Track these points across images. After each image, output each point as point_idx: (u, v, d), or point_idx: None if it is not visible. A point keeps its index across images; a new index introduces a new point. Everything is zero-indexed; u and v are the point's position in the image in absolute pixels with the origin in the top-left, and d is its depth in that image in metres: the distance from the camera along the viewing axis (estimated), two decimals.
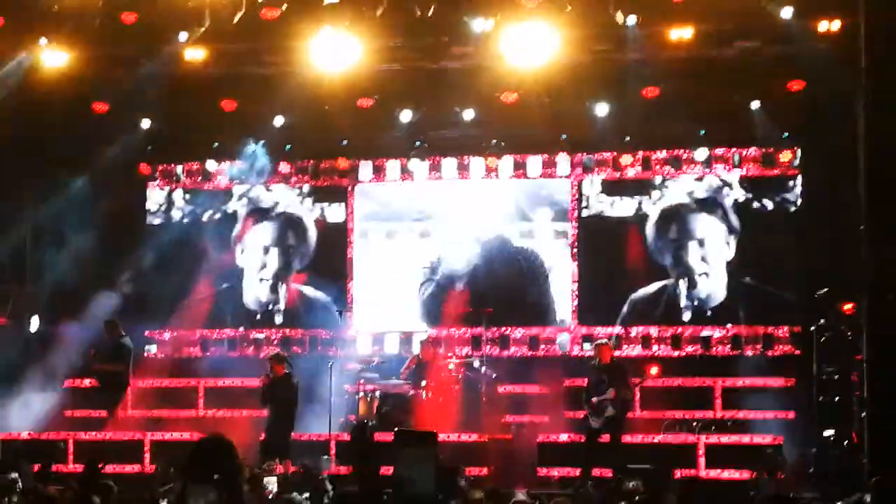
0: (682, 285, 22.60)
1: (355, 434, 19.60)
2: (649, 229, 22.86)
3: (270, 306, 23.91)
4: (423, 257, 23.62)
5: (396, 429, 18.03)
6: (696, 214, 22.75)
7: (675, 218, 22.83)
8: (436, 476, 15.16)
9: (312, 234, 23.98)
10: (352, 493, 15.11)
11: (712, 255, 22.55)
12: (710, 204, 22.68)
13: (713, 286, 22.51)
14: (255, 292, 24.06)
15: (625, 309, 22.59)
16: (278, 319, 23.79)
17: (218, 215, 24.35)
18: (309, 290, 23.80)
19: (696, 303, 22.52)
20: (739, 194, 22.49)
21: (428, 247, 23.63)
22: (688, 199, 22.77)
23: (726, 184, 22.57)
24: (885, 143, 16.66)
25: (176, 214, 24.45)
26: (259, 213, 24.29)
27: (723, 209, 22.54)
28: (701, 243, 22.68)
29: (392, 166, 23.72)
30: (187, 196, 24.46)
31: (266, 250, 24.17)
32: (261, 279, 24.08)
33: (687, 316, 22.47)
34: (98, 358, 21.45)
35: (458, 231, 23.52)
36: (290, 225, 24.16)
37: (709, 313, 22.42)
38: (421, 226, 23.71)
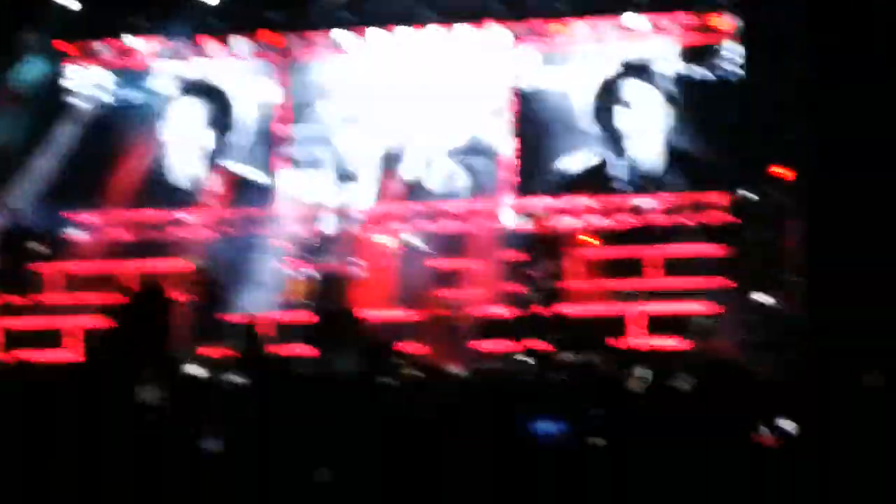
0: (616, 154, 22.34)
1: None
2: (583, 98, 22.52)
3: (202, 186, 23.43)
4: (357, 134, 23.16)
5: (318, 309, 17.92)
6: (630, 81, 22.42)
7: (608, 86, 22.49)
8: (362, 355, 14.98)
9: (244, 112, 23.45)
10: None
11: (645, 122, 22.27)
12: (644, 71, 22.35)
13: (647, 154, 22.25)
14: (185, 172, 23.57)
15: (557, 180, 22.31)
16: (210, 200, 23.29)
17: (145, 94, 23.77)
18: (238, 168, 23.33)
19: (629, 171, 22.28)
20: (674, 62, 22.18)
21: (364, 124, 23.16)
22: (621, 67, 22.44)
23: (661, 52, 22.25)
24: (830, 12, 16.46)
25: (100, 94, 23.84)
26: (189, 91, 23.74)
27: (657, 77, 22.23)
28: (633, 111, 22.39)
29: (323, 40, 23.16)
30: (110, 74, 23.82)
31: (197, 129, 23.64)
32: (192, 159, 23.58)
33: (619, 185, 22.23)
34: None
35: (393, 107, 23.05)
36: (219, 102, 23.65)
37: (641, 182, 22.19)
38: (355, 103, 23.21)
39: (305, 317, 19.92)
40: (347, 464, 9.63)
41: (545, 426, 10.31)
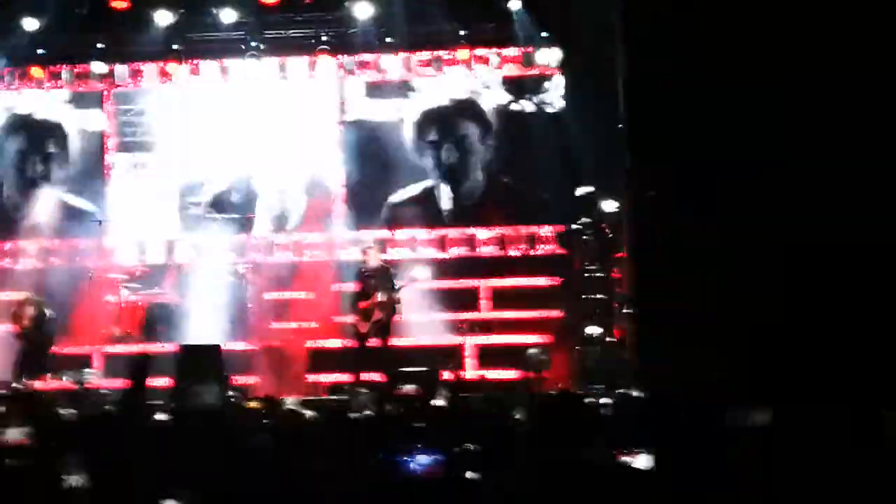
0: (443, 187, 22.61)
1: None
2: (410, 131, 22.75)
3: (28, 216, 23.07)
4: (186, 164, 23.05)
5: (181, 343, 17.86)
6: (455, 116, 22.71)
7: (434, 119, 22.75)
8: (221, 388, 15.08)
9: (73, 141, 23.20)
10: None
11: (471, 156, 22.57)
12: (468, 105, 22.67)
13: (472, 187, 22.56)
14: (11, 202, 23.23)
15: (388, 212, 22.50)
16: (36, 230, 22.96)
17: None
18: (69, 199, 23.05)
19: (455, 204, 22.55)
20: (499, 95, 22.54)
21: (191, 154, 23.06)
22: (447, 101, 22.72)
23: (485, 85, 22.59)
24: (642, 47, 16.85)
25: None
26: (15, 120, 23.39)
27: (481, 110, 22.56)
28: (459, 144, 22.66)
29: (149, 70, 23.04)
30: None
31: (24, 159, 23.29)
32: (18, 188, 23.24)
33: (448, 218, 22.50)
34: None
35: (222, 137, 23.00)
36: (48, 132, 23.32)
37: (469, 215, 22.47)
38: (183, 133, 23.11)
39: (135, 349, 19.83)
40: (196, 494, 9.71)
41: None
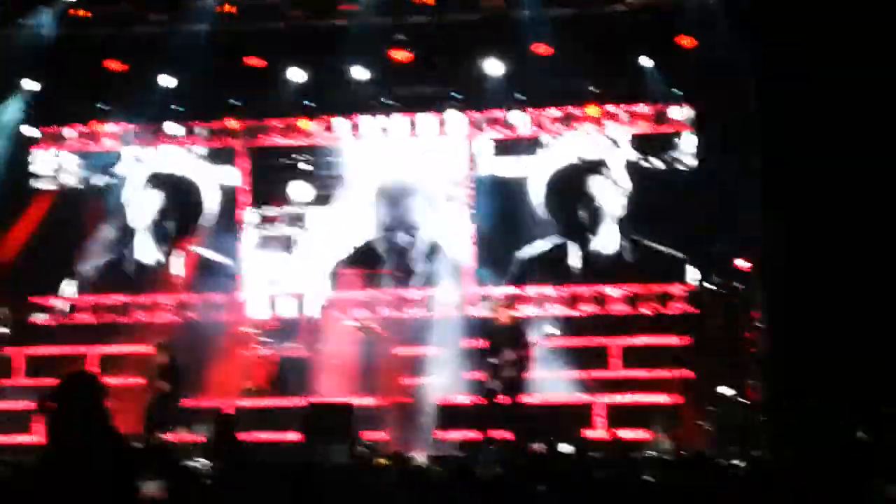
0: (572, 245, 22.55)
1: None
2: (539, 188, 22.74)
3: (165, 270, 23.43)
4: (317, 219, 23.28)
5: (311, 402, 17.97)
6: (585, 174, 22.67)
7: (564, 177, 22.73)
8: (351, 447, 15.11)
9: (208, 196, 23.56)
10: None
11: (601, 214, 22.49)
12: (598, 163, 22.61)
13: (603, 245, 22.47)
14: (149, 256, 23.61)
15: (518, 269, 22.48)
16: (173, 283, 23.31)
17: (111, 179, 23.85)
18: (202, 253, 23.39)
19: (586, 262, 22.47)
20: (629, 152, 22.45)
21: (323, 208, 23.29)
22: (577, 158, 22.68)
23: (616, 142, 22.52)
24: (779, 105, 16.74)
25: (67, 179, 23.92)
26: (153, 176, 23.82)
27: (611, 168, 22.49)
28: (590, 203, 22.60)
29: (283, 126, 23.33)
30: (80, 160, 23.90)
31: (162, 214, 23.69)
32: (155, 243, 23.62)
33: (577, 275, 22.43)
34: None
35: (353, 192, 23.21)
36: (184, 188, 23.73)
37: (599, 273, 22.37)
38: (316, 188, 23.34)
39: (268, 403, 19.98)
40: None
41: None
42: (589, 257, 22.41)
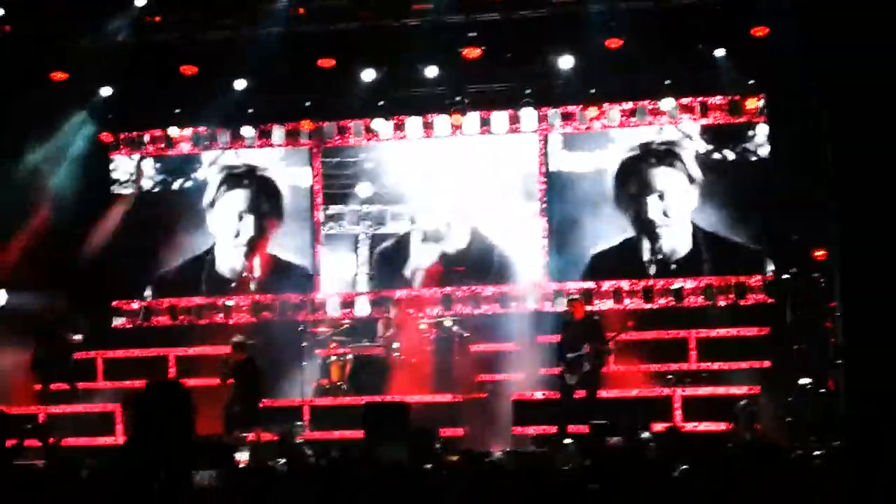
0: (645, 239, 22.47)
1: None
2: (611, 183, 22.68)
3: (244, 273, 23.61)
4: (391, 218, 23.36)
5: (366, 402, 18.03)
6: (656, 167, 22.59)
7: (634, 171, 22.67)
8: (409, 445, 15.09)
9: (285, 197, 23.70)
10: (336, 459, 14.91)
11: (673, 208, 22.40)
12: (669, 155, 22.51)
13: (676, 239, 22.38)
14: (228, 259, 23.79)
15: (594, 263, 22.44)
16: (252, 286, 23.48)
17: (188, 183, 24.07)
18: (280, 255, 23.56)
19: (659, 256, 22.39)
20: (700, 144, 22.34)
21: (396, 208, 23.37)
22: (647, 152, 22.60)
23: (687, 134, 22.41)
24: (850, 92, 16.53)
25: (145, 183, 24.17)
26: (230, 179, 24.02)
27: (682, 160, 22.38)
28: (661, 197, 22.52)
29: (356, 127, 23.42)
30: (157, 164, 24.16)
31: (240, 216, 23.88)
32: (234, 246, 23.80)
33: (652, 269, 22.36)
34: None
35: (425, 191, 23.27)
36: (262, 189, 23.90)
37: (673, 266, 22.30)
38: (389, 187, 23.43)
39: (345, 401, 20.06)
40: None
41: None
42: (665, 250, 22.34)
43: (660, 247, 22.38)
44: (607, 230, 22.59)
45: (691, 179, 22.32)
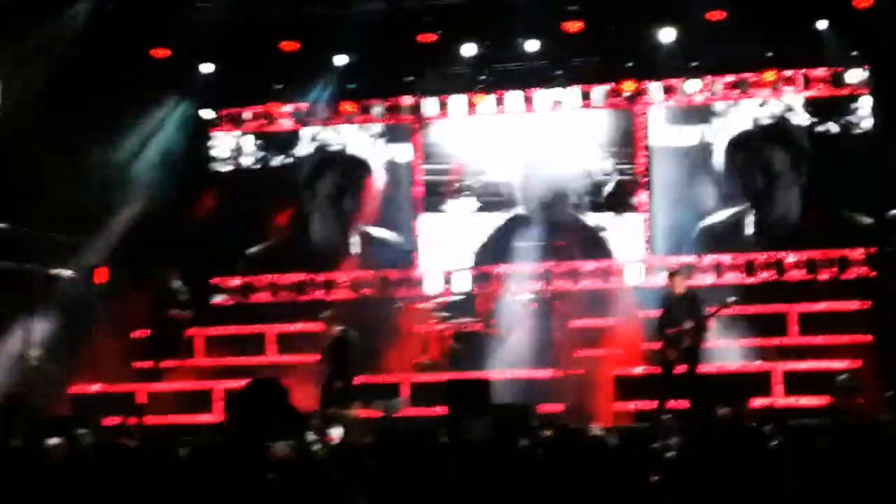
0: (752, 213, 22.26)
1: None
2: (716, 157, 22.51)
3: (341, 249, 23.72)
4: (491, 193, 23.35)
5: (449, 380, 18.06)
6: (762, 140, 22.36)
7: (741, 145, 22.46)
8: (494, 422, 15.08)
9: (380, 175, 23.77)
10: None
11: (780, 181, 22.17)
12: (776, 129, 22.29)
13: (783, 213, 22.15)
14: (325, 235, 23.91)
15: (695, 238, 22.29)
16: (349, 262, 23.61)
17: (288, 160, 24.21)
18: (377, 231, 23.65)
19: (766, 230, 22.18)
20: (804, 117, 22.08)
21: (496, 182, 23.35)
22: (753, 126, 22.39)
23: (792, 107, 22.15)
24: None
25: (245, 160, 24.35)
26: (328, 156, 24.11)
27: (790, 133, 22.14)
28: (768, 170, 22.29)
29: (457, 102, 23.39)
30: (257, 141, 24.29)
31: (336, 193, 23.98)
32: (331, 222, 23.91)
33: (758, 243, 22.15)
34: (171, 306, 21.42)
35: (525, 165, 23.23)
36: (358, 167, 23.97)
37: (778, 239, 22.07)
38: (488, 161, 23.42)
39: (443, 377, 20.09)
40: None
41: None
42: (770, 224, 22.13)
43: (768, 220, 22.16)
44: (713, 205, 22.41)
45: (798, 153, 22.06)
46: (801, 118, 22.04)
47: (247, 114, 24.15)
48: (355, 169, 23.96)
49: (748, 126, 22.40)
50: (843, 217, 21.46)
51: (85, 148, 21.77)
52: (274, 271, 23.74)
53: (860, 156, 21.36)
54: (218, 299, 23.84)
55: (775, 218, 22.18)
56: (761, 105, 22.27)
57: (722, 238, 22.25)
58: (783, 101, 22.11)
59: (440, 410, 18.77)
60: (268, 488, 8.07)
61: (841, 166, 21.55)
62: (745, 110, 22.40)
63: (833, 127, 21.88)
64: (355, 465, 10.53)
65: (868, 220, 21.24)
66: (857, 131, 21.72)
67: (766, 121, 22.29)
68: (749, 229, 22.21)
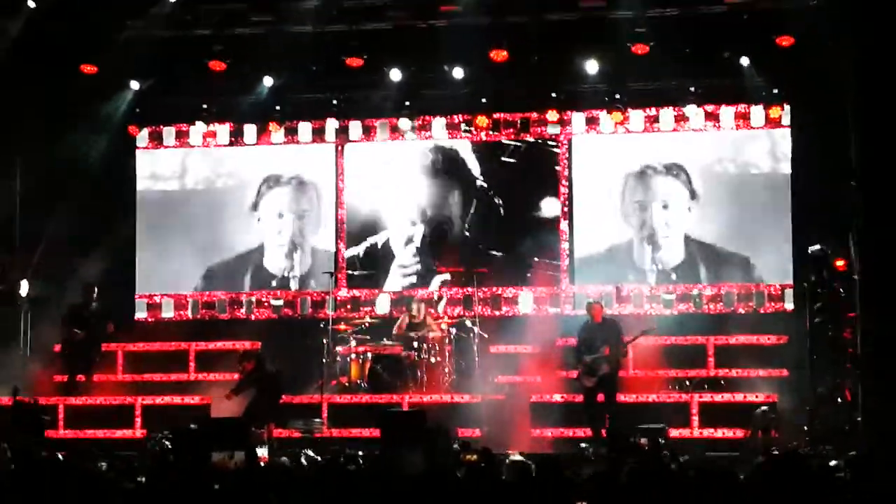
0: (647, 246, 22.55)
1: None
2: (620, 188, 22.77)
3: (286, 272, 23.74)
4: (412, 219, 23.45)
5: (382, 410, 18.13)
6: (662, 177, 22.62)
7: (642, 179, 22.71)
8: (424, 446, 15.13)
9: (325, 196, 23.79)
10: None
11: (674, 219, 22.47)
12: (675, 167, 22.56)
13: (673, 250, 22.46)
14: (272, 258, 23.90)
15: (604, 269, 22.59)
16: (293, 285, 23.65)
17: (216, 178, 24.14)
18: (315, 252, 23.73)
19: (658, 266, 22.48)
20: (722, 151, 22.36)
21: (414, 207, 23.50)
22: (655, 161, 22.64)
23: (700, 143, 22.44)
24: (877, 105, 16.58)
25: (169, 177, 24.23)
26: (271, 179, 24.10)
27: (692, 171, 22.40)
28: (665, 206, 22.59)
29: (381, 126, 23.49)
30: (181, 158, 24.18)
31: (280, 216, 23.94)
32: (278, 245, 23.88)
33: (651, 278, 22.46)
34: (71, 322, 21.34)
35: (446, 192, 23.43)
36: (301, 189, 23.97)
37: (673, 276, 22.40)
38: (405, 180, 23.59)
39: (364, 399, 20.14)
40: None
41: None
42: (661, 261, 22.42)
43: (658, 256, 22.55)
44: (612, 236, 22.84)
45: (692, 194, 22.37)
46: (719, 152, 22.34)
47: (175, 132, 24.03)
48: (299, 191, 23.86)
49: (651, 161, 22.66)
50: (749, 253, 21.84)
51: (12, 160, 21.72)
52: (203, 288, 23.79)
53: (777, 193, 21.74)
54: (142, 316, 23.72)
55: (664, 254, 22.48)
56: (668, 140, 22.62)
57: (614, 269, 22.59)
58: (704, 135, 22.36)
59: (357, 432, 18.92)
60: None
61: (756, 202, 21.91)
62: (652, 144, 22.70)
63: (753, 163, 22.22)
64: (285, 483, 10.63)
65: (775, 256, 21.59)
66: (777, 168, 22.05)
67: (667, 159, 22.60)
68: (644, 265, 22.50)
